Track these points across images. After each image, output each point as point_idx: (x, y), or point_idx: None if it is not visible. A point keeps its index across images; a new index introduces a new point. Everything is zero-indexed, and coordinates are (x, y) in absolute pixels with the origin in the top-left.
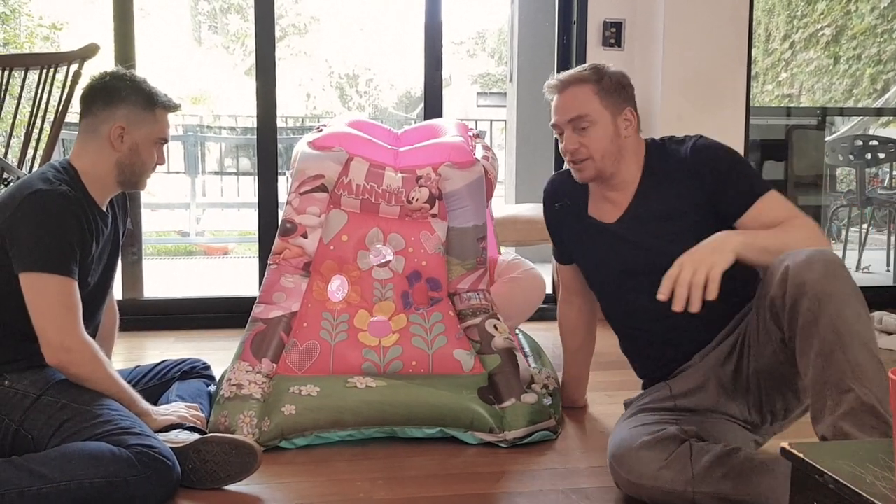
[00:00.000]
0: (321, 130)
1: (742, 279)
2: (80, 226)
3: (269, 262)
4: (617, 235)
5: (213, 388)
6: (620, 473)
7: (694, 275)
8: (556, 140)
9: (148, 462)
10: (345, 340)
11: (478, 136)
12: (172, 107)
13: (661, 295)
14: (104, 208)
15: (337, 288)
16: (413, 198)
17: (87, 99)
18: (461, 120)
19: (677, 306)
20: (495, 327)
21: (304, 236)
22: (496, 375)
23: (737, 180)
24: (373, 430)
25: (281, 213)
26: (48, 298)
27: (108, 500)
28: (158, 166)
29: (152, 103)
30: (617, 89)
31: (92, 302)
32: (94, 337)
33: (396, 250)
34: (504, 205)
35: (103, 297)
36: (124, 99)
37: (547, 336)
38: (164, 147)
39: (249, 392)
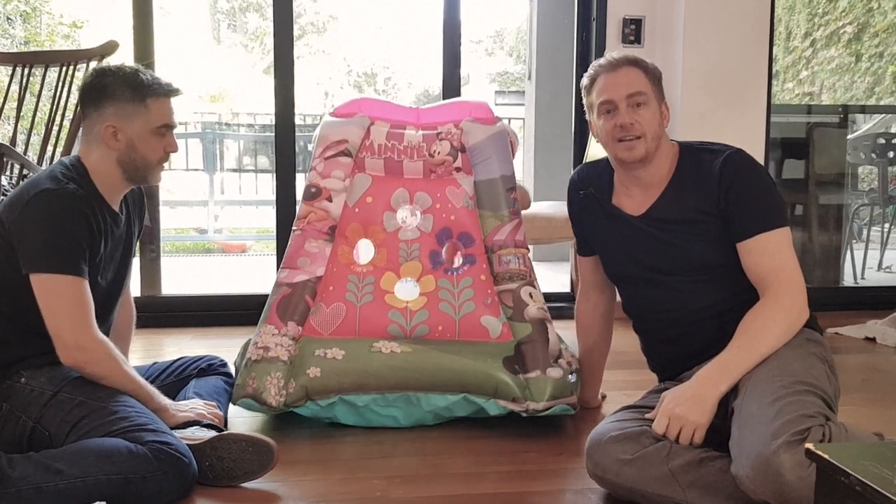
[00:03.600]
0: None
1: (747, 280)
2: (89, 224)
3: (293, 227)
4: (640, 229)
5: (231, 384)
6: (588, 465)
7: (680, 434)
8: (575, 136)
9: (164, 459)
10: (371, 302)
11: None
12: (168, 92)
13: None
14: (116, 207)
15: (359, 257)
16: (434, 151)
17: (80, 101)
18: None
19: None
20: (531, 295)
21: (329, 200)
22: (524, 345)
23: (750, 207)
24: (396, 395)
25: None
26: (60, 299)
27: (125, 496)
28: (172, 154)
29: (141, 94)
30: (658, 80)
31: (105, 302)
32: (107, 335)
33: (424, 209)
34: None
35: (116, 297)
36: (110, 96)
37: (564, 335)
38: (171, 133)
39: (276, 354)
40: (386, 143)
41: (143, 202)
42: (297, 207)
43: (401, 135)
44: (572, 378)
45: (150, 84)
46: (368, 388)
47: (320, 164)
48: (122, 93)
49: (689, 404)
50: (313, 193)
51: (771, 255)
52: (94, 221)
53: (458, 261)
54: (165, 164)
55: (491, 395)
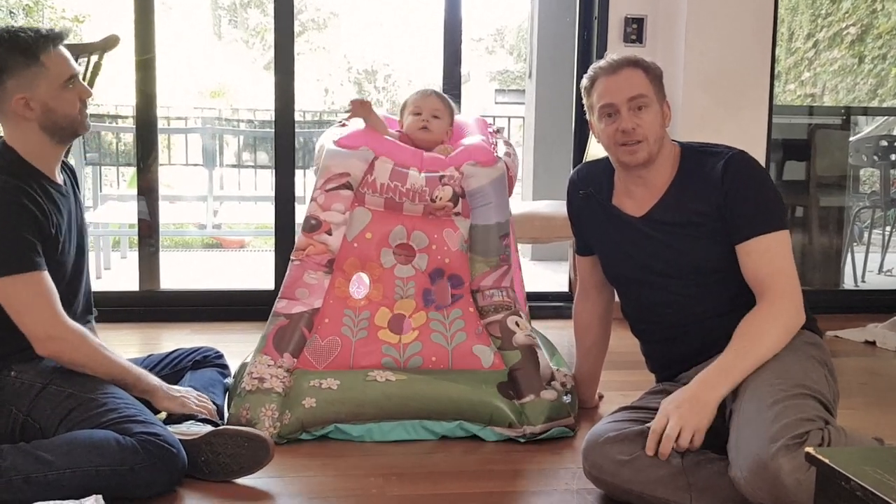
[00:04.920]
0: (344, 125)
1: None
2: (31, 213)
3: (291, 257)
4: (641, 230)
5: (229, 380)
6: (585, 466)
7: (679, 436)
8: (575, 135)
9: (153, 450)
10: (365, 337)
11: (498, 131)
12: (55, 40)
13: (649, 451)
14: (58, 178)
15: (355, 291)
16: (437, 196)
17: None
18: (481, 116)
19: (662, 457)
20: (517, 324)
21: (329, 233)
22: (516, 371)
23: (750, 208)
24: (392, 424)
25: (303, 209)
26: (21, 298)
27: (114, 487)
28: (90, 99)
29: (33, 54)
30: (660, 79)
31: (73, 281)
32: (85, 314)
33: (420, 248)
34: (521, 202)
35: (82, 275)
36: (3, 68)
37: (562, 334)
38: (78, 79)
39: (271, 386)
40: (389, 183)
41: (76, 179)
42: (296, 237)
43: (404, 175)
44: (567, 399)
45: (36, 41)
46: (364, 417)
47: (321, 195)
48: (15, 60)
49: (688, 406)
50: (313, 225)
51: (769, 258)
52: (36, 206)
53: (447, 298)
54: (88, 111)
55: (486, 423)
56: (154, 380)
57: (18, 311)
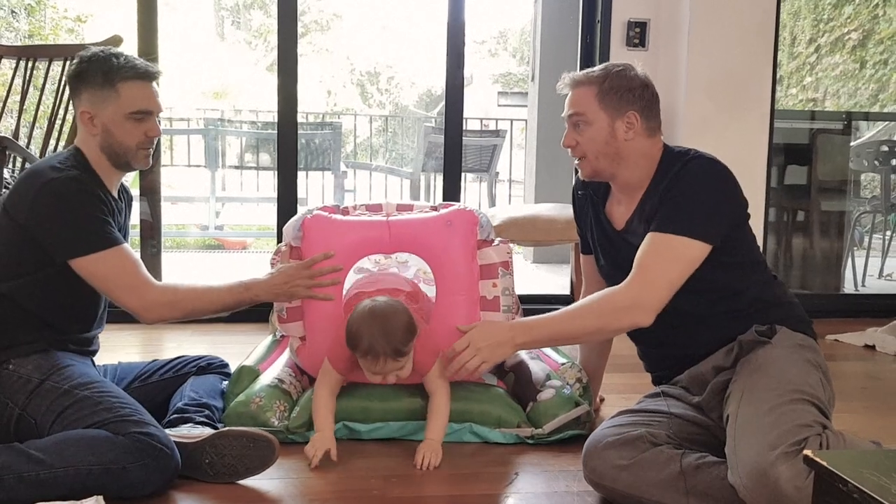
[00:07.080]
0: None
1: (730, 286)
2: (102, 202)
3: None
4: (622, 240)
5: (226, 384)
6: (585, 471)
7: (471, 359)
8: None
9: (146, 449)
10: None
11: (491, 240)
12: (140, 75)
13: (446, 363)
14: (115, 193)
15: None
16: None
17: (68, 89)
18: (483, 118)
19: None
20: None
21: None
22: (516, 387)
23: (671, 207)
24: (399, 425)
25: (301, 209)
26: (111, 273)
27: (106, 486)
28: (155, 138)
29: (111, 79)
30: (619, 92)
31: (96, 295)
32: (97, 331)
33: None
34: (524, 204)
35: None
36: (84, 81)
37: None
38: (151, 117)
39: (288, 389)
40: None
41: (131, 204)
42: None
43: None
44: (567, 391)
45: (119, 68)
46: (372, 413)
47: None
48: (95, 78)
49: (493, 338)
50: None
51: (653, 253)
52: (103, 201)
53: None
54: (150, 149)
55: (495, 424)
56: (246, 280)
57: (113, 288)
